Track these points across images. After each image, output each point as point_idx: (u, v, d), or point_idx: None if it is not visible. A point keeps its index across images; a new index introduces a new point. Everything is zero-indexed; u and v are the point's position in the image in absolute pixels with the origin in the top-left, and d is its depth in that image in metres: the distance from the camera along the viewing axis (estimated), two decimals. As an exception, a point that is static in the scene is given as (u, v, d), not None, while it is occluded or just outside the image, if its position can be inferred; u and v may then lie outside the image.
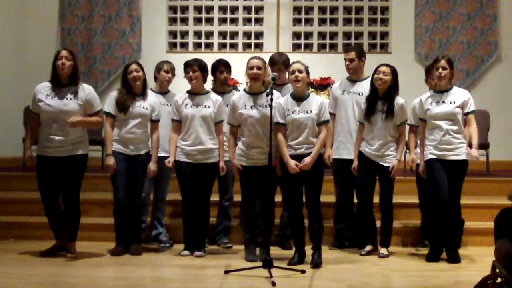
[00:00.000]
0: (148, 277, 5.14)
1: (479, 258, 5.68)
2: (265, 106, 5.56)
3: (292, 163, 5.38)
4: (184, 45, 10.28)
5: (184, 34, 10.31)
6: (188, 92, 5.91)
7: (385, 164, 5.77)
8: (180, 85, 6.27)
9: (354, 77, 6.25)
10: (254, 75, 5.65)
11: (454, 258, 5.59)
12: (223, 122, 5.88)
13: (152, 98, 5.98)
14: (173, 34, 10.31)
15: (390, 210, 5.84)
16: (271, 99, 5.27)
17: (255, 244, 5.67)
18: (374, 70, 5.85)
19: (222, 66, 6.24)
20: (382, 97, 5.79)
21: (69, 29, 10.12)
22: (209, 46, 10.28)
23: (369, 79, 5.96)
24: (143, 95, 5.88)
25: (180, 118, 5.82)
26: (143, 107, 5.84)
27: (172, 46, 10.28)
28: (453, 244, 5.66)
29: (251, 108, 5.62)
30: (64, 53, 5.65)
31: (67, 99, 5.60)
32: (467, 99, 5.68)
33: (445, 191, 5.55)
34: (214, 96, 5.94)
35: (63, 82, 5.65)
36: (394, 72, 5.81)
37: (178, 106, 5.83)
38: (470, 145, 5.69)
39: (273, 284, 4.72)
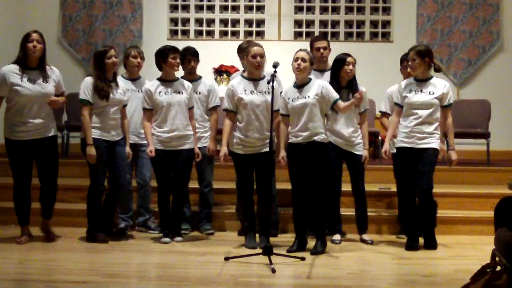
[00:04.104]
0: (148, 263, 5.14)
1: (479, 246, 5.69)
2: (265, 92, 5.55)
3: (282, 154, 5.46)
4: (185, 32, 10.25)
5: (186, 21, 10.28)
6: (159, 79, 5.88)
7: (357, 153, 5.83)
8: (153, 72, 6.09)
9: (322, 66, 6.20)
10: (258, 63, 5.63)
11: (430, 245, 5.64)
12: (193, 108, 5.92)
13: (121, 83, 5.96)
14: (174, 21, 10.28)
15: (364, 196, 5.92)
16: (272, 87, 5.25)
17: (255, 231, 5.68)
18: (340, 61, 5.83)
19: (189, 55, 6.19)
20: (346, 87, 5.82)
21: (70, 15, 10.09)
22: (210, 33, 10.25)
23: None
24: (115, 81, 5.86)
25: (153, 106, 5.80)
26: (120, 93, 5.84)
27: (173, 33, 10.25)
28: (429, 230, 5.68)
29: (251, 93, 5.60)
30: (35, 35, 5.64)
31: (44, 81, 5.62)
32: (446, 91, 5.61)
33: (414, 180, 5.57)
34: (185, 82, 5.94)
35: (32, 65, 5.64)
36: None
37: (150, 94, 5.79)
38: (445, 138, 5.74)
39: (273, 271, 4.73)
